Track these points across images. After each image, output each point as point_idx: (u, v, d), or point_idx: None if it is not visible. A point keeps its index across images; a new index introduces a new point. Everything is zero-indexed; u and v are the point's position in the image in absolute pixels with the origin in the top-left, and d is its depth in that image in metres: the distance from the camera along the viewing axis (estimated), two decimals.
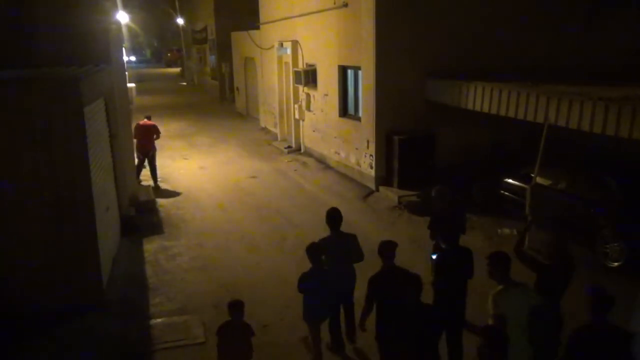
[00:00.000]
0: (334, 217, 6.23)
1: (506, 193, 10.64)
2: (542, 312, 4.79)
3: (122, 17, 18.04)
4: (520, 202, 9.73)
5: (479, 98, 10.49)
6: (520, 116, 9.51)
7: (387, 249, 5.56)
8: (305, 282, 5.92)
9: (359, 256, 6.30)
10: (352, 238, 6.30)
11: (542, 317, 4.75)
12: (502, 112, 9.95)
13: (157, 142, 13.67)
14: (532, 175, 9.27)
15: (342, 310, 6.49)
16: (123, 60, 12.21)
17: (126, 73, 14.13)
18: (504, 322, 4.59)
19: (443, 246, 6.08)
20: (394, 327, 5.05)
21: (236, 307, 5.35)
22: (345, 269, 6.25)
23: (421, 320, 4.84)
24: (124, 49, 13.45)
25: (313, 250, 5.89)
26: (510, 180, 10.60)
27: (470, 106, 10.79)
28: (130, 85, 17.68)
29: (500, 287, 4.88)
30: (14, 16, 8.80)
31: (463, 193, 9.97)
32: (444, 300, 5.72)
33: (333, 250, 6.06)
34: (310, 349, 6.27)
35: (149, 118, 13.83)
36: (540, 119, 9.06)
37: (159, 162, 13.94)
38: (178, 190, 13.30)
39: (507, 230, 9.82)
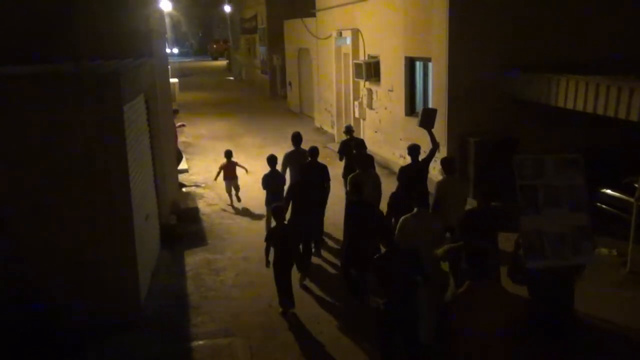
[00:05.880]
0: (296, 138, 10.50)
1: (603, 206, 10.28)
2: None
3: (165, 4, 18.62)
4: (621, 217, 9.36)
5: (572, 94, 10.21)
6: (621, 115, 9.18)
7: (313, 152, 9.80)
8: (265, 181, 9.98)
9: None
10: (305, 152, 10.11)
11: None
12: (600, 111, 9.64)
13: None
14: (636, 185, 8.93)
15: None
16: (165, 53, 12.54)
17: (169, 67, 14.54)
18: None
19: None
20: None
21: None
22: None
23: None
24: (166, 40, 13.85)
25: (270, 159, 10.01)
26: (608, 192, 10.27)
27: (561, 103, 10.50)
28: (173, 80, 18.18)
29: None
30: (53, 8, 9.18)
31: None
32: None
33: (294, 160, 10.23)
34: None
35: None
36: None
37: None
38: (222, 197, 13.54)
39: (604, 250, 9.44)
